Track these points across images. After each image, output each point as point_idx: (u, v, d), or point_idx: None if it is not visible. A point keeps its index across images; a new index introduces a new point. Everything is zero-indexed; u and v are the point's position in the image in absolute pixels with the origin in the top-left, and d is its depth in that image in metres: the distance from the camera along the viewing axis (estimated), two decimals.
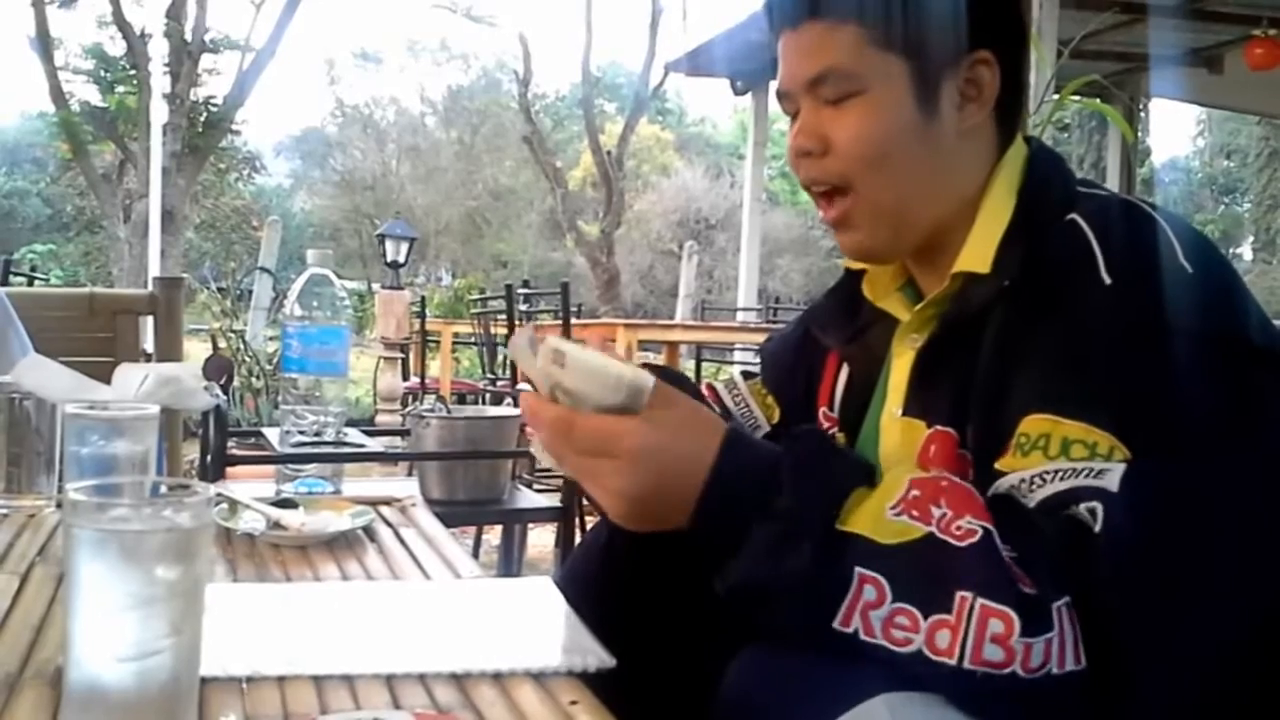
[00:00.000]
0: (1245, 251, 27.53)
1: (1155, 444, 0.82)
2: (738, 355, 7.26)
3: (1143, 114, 10.78)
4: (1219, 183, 30.41)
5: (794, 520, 0.79)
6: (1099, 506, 0.79)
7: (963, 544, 0.77)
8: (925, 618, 0.75)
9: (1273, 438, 0.84)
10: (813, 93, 1.02)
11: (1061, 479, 0.82)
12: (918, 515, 0.79)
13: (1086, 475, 0.81)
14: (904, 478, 0.82)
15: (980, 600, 0.74)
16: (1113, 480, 0.80)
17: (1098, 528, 0.78)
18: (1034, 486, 0.84)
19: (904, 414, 1.03)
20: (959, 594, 0.75)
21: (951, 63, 1.00)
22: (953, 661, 0.75)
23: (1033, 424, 0.86)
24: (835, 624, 0.77)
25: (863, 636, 0.77)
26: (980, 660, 0.74)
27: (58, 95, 14.90)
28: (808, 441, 0.87)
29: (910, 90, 0.99)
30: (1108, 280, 0.88)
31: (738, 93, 9.25)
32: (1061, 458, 0.84)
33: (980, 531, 0.77)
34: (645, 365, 0.96)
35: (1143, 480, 0.80)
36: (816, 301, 1.23)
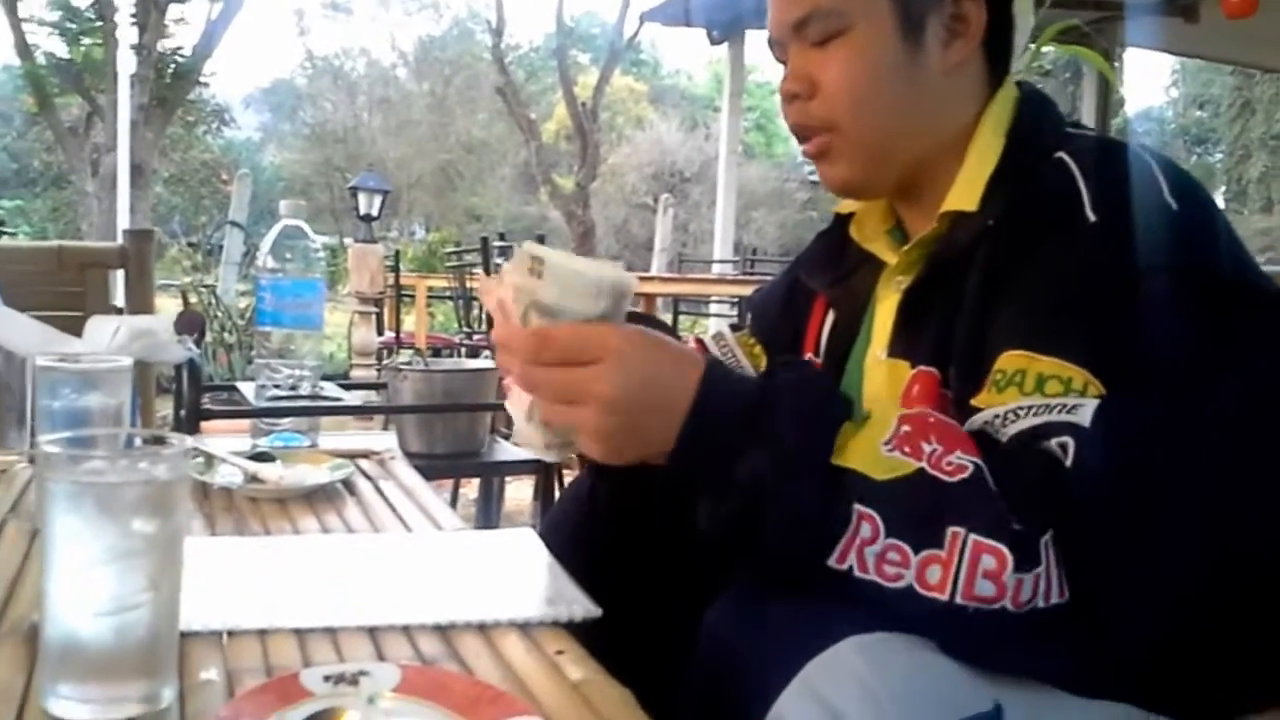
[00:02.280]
0: (1217, 201, 27.58)
1: (1129, 380, 0.81)
2: (714, 308, 7.25)
3: (1117, 64, 10.75)
4: (1192, 133, 30.48)
5: (792, 454, 0.79)
6: (1070, 441, 0.79)
7: (954, 479, 0.77)
8: (916, 553, 0.76)
9: (1247, 372, 0.84)
10: (799, 36, 1.02)
11: (1035, 414, 0.82)
12: (909, 451, 0.79)
13: (1060, 410, 0.81)
14: (892, 414, 0.82)
15: (973, 536, 0.75)
16: (1085, 416, 0.80)
17: (1069, 462, 0.78)
18: (1007, 421, 0.84)
19: (889, 355, 1.03)
20: (950, 529, 0.75)
21: None
22: (944, 597, 0.75)
23: (1009, 360, 0.86)
24: (830, 561, 0.77)
25: (856, 573, 0.77)
26: (972, 595, 0.75)
27: (23, 48, 14.65)
28: (796, 370, 0.86)
29: (895, 27, 0.98)
30: (1092, 217, 0.87)
31: (714, 43, 9.13)
32: (1036, 394, 0.83)
33: (971, 467, 0.77)
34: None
35: (1115, 416, 0.79)
36: (806, 246, 1.22)
